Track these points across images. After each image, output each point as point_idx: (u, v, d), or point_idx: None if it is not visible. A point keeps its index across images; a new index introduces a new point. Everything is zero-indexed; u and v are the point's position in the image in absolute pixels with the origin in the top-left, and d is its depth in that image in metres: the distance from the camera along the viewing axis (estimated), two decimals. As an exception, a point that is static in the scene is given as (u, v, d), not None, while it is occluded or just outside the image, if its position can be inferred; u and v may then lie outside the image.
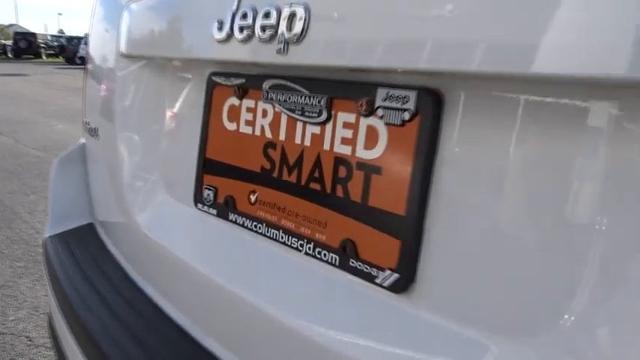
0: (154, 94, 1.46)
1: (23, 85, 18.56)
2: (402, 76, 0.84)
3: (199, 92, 1.29)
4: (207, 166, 1.23)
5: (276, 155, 1.05)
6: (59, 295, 1.61)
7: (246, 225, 1.11)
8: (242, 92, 1.12)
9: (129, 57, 1.47)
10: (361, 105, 0.87)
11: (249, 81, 1.11)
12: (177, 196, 1.37)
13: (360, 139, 0.88)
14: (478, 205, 0.75)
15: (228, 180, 1.17)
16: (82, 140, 2.06)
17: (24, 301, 3.49)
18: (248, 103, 1.11)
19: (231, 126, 1.16)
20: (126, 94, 1.52)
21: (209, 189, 1.21)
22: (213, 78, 1.20)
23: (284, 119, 1.03)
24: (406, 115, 0.81)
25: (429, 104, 0.78)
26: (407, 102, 0.81)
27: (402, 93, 0.81)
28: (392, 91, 0.83)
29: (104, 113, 1.66)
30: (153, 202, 1.42)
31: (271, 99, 1.05)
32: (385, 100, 0.84)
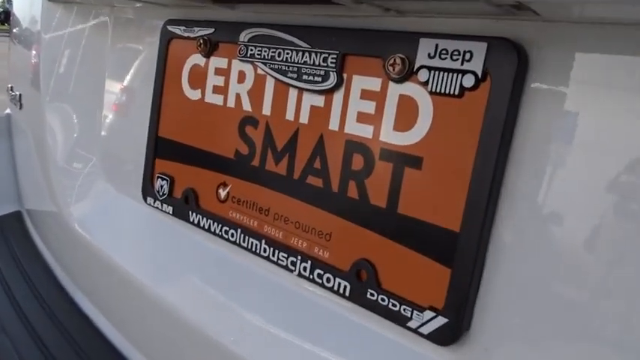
0: (90, 53, 1.13)
1: (-37, 52, 17.21)
2: (461, 19, 0.55)
3: (150, 49, 0.97)
4: (159, 147, 0.91)
5: (257, 136, 0.75)
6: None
7: (212, 230, 0.81)
8: (209, 47, 0.81)
9: (55, 1, 1.13)
10: (391, 64, 0.59)
11: (221, 31, 0.80)
12: (120, 185, 1.05)
13: (387, 115, 0.60)
14: (575, 218, 0.48)
15: (189, 167, 0.86)
16: (7, 111, 1.69)
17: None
18: (218, 62, 0.81)
19: (193, 94, 0.85)
20: (53, 52, 1.18)
21: (163, 178, 0.90)
22: (169, 28, 0.89)
23: (270, 85, 0.73)
24: (468, 80, 0.53)
25: (506, 63, 0.51)
26: (469, 60, 0.53)
27: (462, 46, 0.53)
28: (444, 43, 0.55)
29: (28, 77, 1.31)
30: (89, 192, 1.10)
31: (252, 56, 0.75)
32: (433, 56, 0.56)
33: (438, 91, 0.56)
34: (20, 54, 1.43)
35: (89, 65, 1.13)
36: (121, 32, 1.07)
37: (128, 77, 1.05)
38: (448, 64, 0.55)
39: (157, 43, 0.92)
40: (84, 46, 1.13)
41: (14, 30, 1.56)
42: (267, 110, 0.74)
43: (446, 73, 0.55)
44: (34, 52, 1.27)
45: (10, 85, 1.56)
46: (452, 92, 0.54)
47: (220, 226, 0.80)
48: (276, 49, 0.71)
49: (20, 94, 1.38)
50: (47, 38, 1.17)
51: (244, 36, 0.76)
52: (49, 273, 1.34)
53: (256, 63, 0.74)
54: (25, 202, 1.61)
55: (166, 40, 0.90)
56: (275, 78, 0.72)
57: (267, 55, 0.73)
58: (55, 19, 1.17)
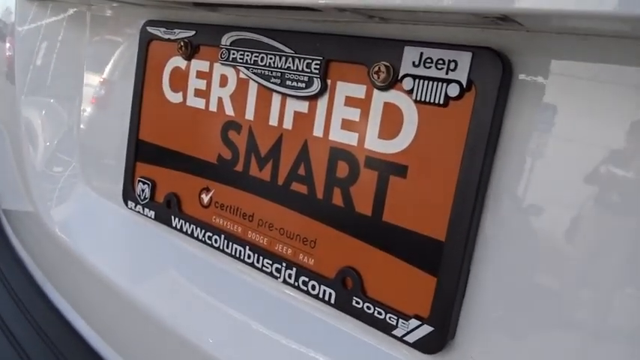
0: (67, 52, 1.10)
1: None
2: (446, 28, 0.55)
3: (129, 49, 0.95)
4: (140, 151, 0.90)
5: (240, 141, 0.74)
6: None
7: (195, 235, 0.80)
8: (190, 50, 0.80)
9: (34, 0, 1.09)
10: (376, 72, 0.58)
11: (202, 33, 0.78)
12: (100, 189, 1.03)
13: (372, 122, 0.60)
14: (562, 226, 0.49)
15: (171, 172, 0.85)
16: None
17: None
18: (199, 65, 0.79)
19: (174, 97, 0.83)
20: (29, 49, 1.14)
21: (144, 182, 0.89)
22: (149, 29, 0.87)
23: (253, 90, 0.72)
24: (453, 90, 0.53)
25: (491, 73, 0.51)
26: (454, 69, 0.53)
27: (447, 55, 0.53)
28: (428, 52, 0.55)
29: (3, 77, 1.27)
30: (68, 194, 1.07)
31: (234, 60, 0.74)
32: (417, 65, 0.56)
33: (422, 99, 0.55)
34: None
35: (66, 64, 1.10)
36: (98, 32, 1.04)
37: (107, 78, 1.02)
38: (433, 72, 0.55)
39: (135, 44, 0.90)
40: (60, 44, 1.11)
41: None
42: (250, 115, 0.73)
43: (430, 82, 0.55)
44: (7, 51, 1.23)
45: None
46: (437, 101, 0.54)
47: (203, 231, 0.79)
48: (259, 53, 0.70)
49: (-6, 94, 1.34)
50: (22, 37, 1.14)
51: (226, 39, 0.74)
52: (27, 274, 1.31)
53: (239, 67, 0.73)
54: (1, 202, 1.57)
55: (146, 41, 0.88)
56: (258, 83, 0.71)
57: (250, 59, 0.72)
58: (30, 18, 1.14)
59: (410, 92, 0.56)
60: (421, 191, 0.56)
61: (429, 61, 0.55)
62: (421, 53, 0.56)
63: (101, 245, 0.97)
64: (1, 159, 1.48)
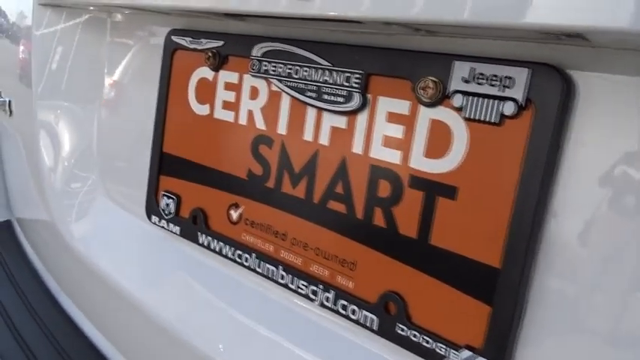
0: (86, 59, 1.07)
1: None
2: (498, 42, 0.52)
3: (152, 58, 0.92)
4: (164, 163, 0.87)
5: (272, 156, 0.71)
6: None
7: (224, 252, 0.78)
8: (218, 60, 0.77)
9: (50, 6, 1.07)
10: (423, 87, 0.55)
11: (231, 44, 0.76)
12: (121, 201, 1.01)
13: (417, 140, 0.57)
14: (628, 251, 0.46)
15: (197, 186, 0.82)
16: (-5, 115, 1.63)
17: None
18: (228, 76, 0.76)
19: (201, 109, 0.81)
20: (47, 60, 1.12)
21: (168, 197, 0.86)
22: (174, 38, 0.84)
23: (286, 103, 0.69)
24: (508, 108, 0.50)
25: (551, 91, 0.48)
26: (510, 87, 0.50)
27: (501, 71, 0.50)
28: (480, 67, 0.52)
29: (18, 83, 1.25)
30: (86, 205, 1.05)
31: (266, 72, 0.71)
32: (468, 81, 0.53)
33: (474, 117, 0.52)
34: (8, 60, 1.36)
35: (85, 73, 1.07)
36: (119, 39, 1.02)
37: (127, 87, 1.00)
38: (486, 89, 0.52)
39: (158, 53, 0.88)
40: (78, 52, 1.08)
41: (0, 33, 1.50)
42: (282, 129, 0.70)
43: (483, 100, 0.52)
44: (24, 58, 1.21)
45: (-2, 90, 1.50)
46: (490, 120, 0.51)
47: (232, 249, 0.77)
48: (293, 65, 0.68)
49: (10, 101, 1.32)
50: (40, 45, 1.11)
51: (257, 50, 0.72)
52: (42, 285, 1.29)
53: (270, 79, 0.71)
54: (15, 211, 1.55)
55: (170, 50, 0.85)
56: (292, 96, 0.68)
57: (283, 71, 0.69)
58: (46, 24, 1.11)
59: (460, 109, 0.53)
60: (473, 214, 0.53)
61: (480, 77, 0.52)
62: (472, 69, 0.53)
63: (122, 259, 0.94)
64: (15, 165, 1.46)
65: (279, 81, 0.69)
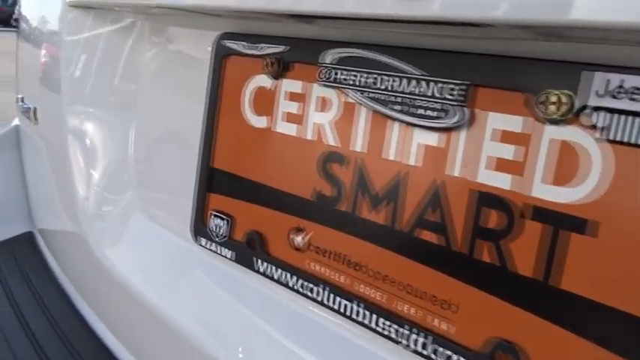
0: (122, 66, 1.00)
1: (-50, 46, 16.76)
2: (635, 48, 0.44)
3: (198, 65, 0.84)
4: (214, 180, 0.79)
5: (345, 175, 0.63)
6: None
7: (285, 282, 0.70)
8: (280, 67, 0.69)
9: (80, 7, 0.99)
10: (544, 102, 0.47)
11: (296, 49, 0.68)
12: (161, 219, 0.93)
13: (538, 164, 0.48)
14: None
15: (253, 206, 0.74)
16: (16, 121, 1.56)
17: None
18: (291, 85, 0.68)
19: (258, 121, 0.73)
20: (77, 65, 1.05)
21: (220, 217, 0.78)
22: (226, 43, 0.76)
23: (364, 117, 0.61)
24: (669, 129, 0.41)
25: None
26: (671, 102, 0.41)
27: (658, 84, 0.42)
28: (618, 78, 0.43)
29: (45, 90, 1.18)
30: (124, 224, 0.97)
31: (338, 81, 0.63)
32: (602, 94, 0.44)
33: (615, 138, 0.44)
34: (34, 64, 1.29)
35: (120, 80, 1.00)
36: (158, 44, 0.94)
37: (168, 96, 0.92)
38: (627, 105, 0.43)
39: (205, 59, 0.80)
40: (113, 59, 1.00)
41: (24, 37, 1.43)
42: (359, 146, 0.62)
43: (626, 117, 0.43)
44: (51, 63, 1.14)
45: (20, 96, 1.43)
46: (637, 141, 0.43)
47: (295, 278, 0.69)
48: (375, 74, 0.59)
49: (35, 108, 1.25)
50: (70, 49, 1.04)
51: (329, 56, 0.63)
52: (68, 302, 1.22)
53: (345, 89, 0.62)
54: (38, 222, 1.48)
55: (221, 56, 0.77)
56: (372, 109, 0.60)
57: (362, 81, 0.60)
58: (78, 29, 1.04)
59: (595, 128, 0.45)
60: (617, 255, 0.44)
61: (620, 89, 0.43)
62: (608, 80, 0.44)
63: (162, 281, 0.86)
64: (39, 175, 1.39)
65: (356, 91, 0.61)
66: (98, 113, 1.02)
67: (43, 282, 1.35)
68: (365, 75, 0.60)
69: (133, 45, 0.97)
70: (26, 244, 1.50)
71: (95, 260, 0.99)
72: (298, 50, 0.67)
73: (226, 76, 0.77)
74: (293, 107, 0.68)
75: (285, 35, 0.69)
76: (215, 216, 0.79)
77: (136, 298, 0.87)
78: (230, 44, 0.76)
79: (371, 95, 0.60)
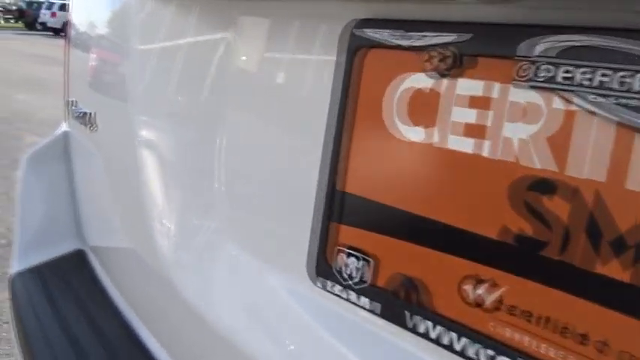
0: (206, 65, 0.84)
1: (-21, 51, 17.03)
2: None
3: (318, 62, 0.68)
4: (344, 208, 0.62)
5: (559, 210, 0.46)
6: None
7: (457, 348, 0.52)
8: (453, 63, 0.52)
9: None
10: None
11: (483, 38, 0.50)
12: (265, 254, 0.76)
13: None
14: None
15: (406, 245, 0.57)
16: (64, 128, 1.42)
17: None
18: (470, 86, 0.51)
19: (413, 133, 0.56)
20: (150, 64, 0.89)
21: (354, 255, 0.61)
22: (363, 32, 0.59)
23: (597, 130, 0.44)
24: None
25: None
26: None
27: None
28: None
29: (108, 93, 1.03)
30: (211, 257, 0.81)
31: (555, 82, 0.45)
32: None
33: None
34: (90, 63, 1.15)
35: (204, 82, 0.84)
36: (258, 38, 0.78)
37: (274, 102, 0.76)
38: None
39: (330, 55, 0.63)
40: (196, 56, 0.85)
41: (77, 36, 1.29)
42: (587, 171, 0.44)
43: None
44: (117, 62, 0.99)
45: (71, 99, 1.29)
46: None
47: (471, 343, 0.51)
48: (619, 71, 0.42)
49: (93, 113, 1.10)
50: (141, 45, 0.88)
51: (539, 47, 0.46)
52: (130, 332, 1.07)
53: (563, 92, 0.45)
54: (90, 240, 1.34)
55: (354, 50, 0.60)
56: (610, 120, 0.42)
57: (596, 80, 0.43)
58: (152, 20, 0.88)
59: None
60: None
61: None
62: None
63: (268, 334, 0.70)
64: (95, 189, 1.24)
65: (585, 95, 0.44)
66: (179, 121, 0.86)
67: (100, 306, 1.21)
68: (600, 72, 0.43)
69: (226, 41, 0.81)
70: (78, 263, 1.36)
71: (171, 290, 0.83)
72: (485, 39, 0.50)
73: (362, 76, 0.60)
74: (472, 116, 0.51)
75: (461, 20, 0.52)
76: (346, 253, 0.62)
77: (230, 348, 0.71)
78: (369, 34, 0.59)
79: (610, 101, 0.42)
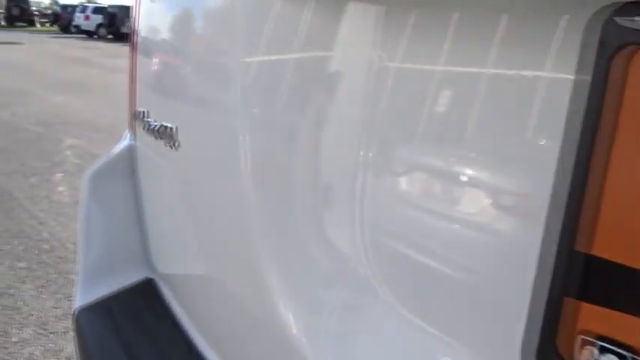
0: (334, 72, 0.66)
1: (17, 55, 17.41)
2: None
3: (552, 67, 0.48)
4: (590, 279, 0.43)
5: None
6: None
7: None
8: None
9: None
10: None
11: None
12: (454, 334, 0.57)
13: None
14: None
15: None
16: (127, 140, 1.27)
17: (29, 315, 2.76)
18: None
19: None
20: (257, 72, 0.72)
21: (607, 348, 0.42)
22: (629, 23, 0.40)
23: None
24: None
25: None
26: None
27: None
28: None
29: (199, 104, 0.86)
30: (355, 316, 0.63)
31: None
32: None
33: None
34: (169, 71, 0.98)
35: (330, 94, 0.66)
36: (405, 39, 0.59)
37: (431, 116, 0.57)
38: None
39: (569, 57, 0.44)
40: (319, 60, 0.67)
41: (145, 39, 1.13)
42: None
43: None
44: (214, 72, 0.82)
45: (143, 110, 1.13)
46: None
47: None
48: None
49: (174, 128, 0.93)
50: (250, 50, 0.71)
51: None
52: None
53: None
54: (162, 267, 1.18)
55: (614, 48, 0.41)
56: None
57: None
58: (261, 15, 0.70)
59: None
60: None
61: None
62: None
63: None
64: (172, 214, 1.08)
65: None
66: (294, 139, 0.68)
67: (173, 343, 1.05)
68: None
69: (357, 42, 0.63)
70: (145, 294, 1.21)
71: (278, 338, 0.66)
72: None
73: (628, 82, 0.41)
74: None
75: None
76: (594, 345, 0.42)
77: None
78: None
79: None
